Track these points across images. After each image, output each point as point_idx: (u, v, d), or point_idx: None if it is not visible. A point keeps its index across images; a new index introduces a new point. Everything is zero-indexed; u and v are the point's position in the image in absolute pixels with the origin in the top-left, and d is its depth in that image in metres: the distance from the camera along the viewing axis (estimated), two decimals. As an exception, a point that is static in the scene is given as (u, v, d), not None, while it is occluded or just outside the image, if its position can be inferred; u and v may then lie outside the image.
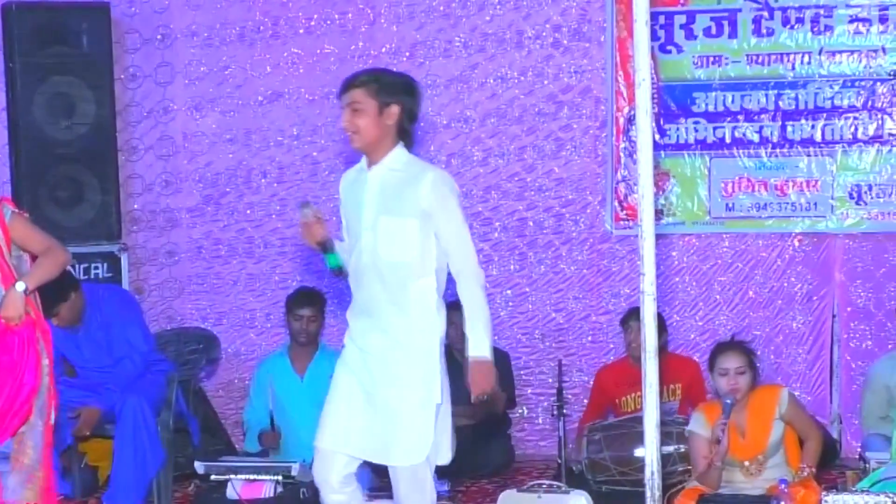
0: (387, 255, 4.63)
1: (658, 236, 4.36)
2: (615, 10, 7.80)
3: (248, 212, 8.34)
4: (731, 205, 7.80)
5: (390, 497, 4.75)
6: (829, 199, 7.66)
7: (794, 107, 7.69)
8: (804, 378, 7.74)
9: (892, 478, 5.30)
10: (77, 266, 7.16)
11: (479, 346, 4.64)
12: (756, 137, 7.75)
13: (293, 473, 6.39)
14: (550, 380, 7.75)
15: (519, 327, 8.07)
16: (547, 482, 6.17)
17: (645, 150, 4.15)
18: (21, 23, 7.31)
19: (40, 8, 7.46)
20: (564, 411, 6.91)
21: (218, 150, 8.34)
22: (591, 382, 7.62)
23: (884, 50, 7.60)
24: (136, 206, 8.23)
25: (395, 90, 4.68)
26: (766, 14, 7.69)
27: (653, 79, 4.79)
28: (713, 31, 7.76)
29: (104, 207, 7.55)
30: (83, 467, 6.95)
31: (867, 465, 5.98)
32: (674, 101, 7.82)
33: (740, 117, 7.76)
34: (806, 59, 7.66)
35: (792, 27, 7.67)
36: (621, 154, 7.86)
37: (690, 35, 7.78)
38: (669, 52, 7.80)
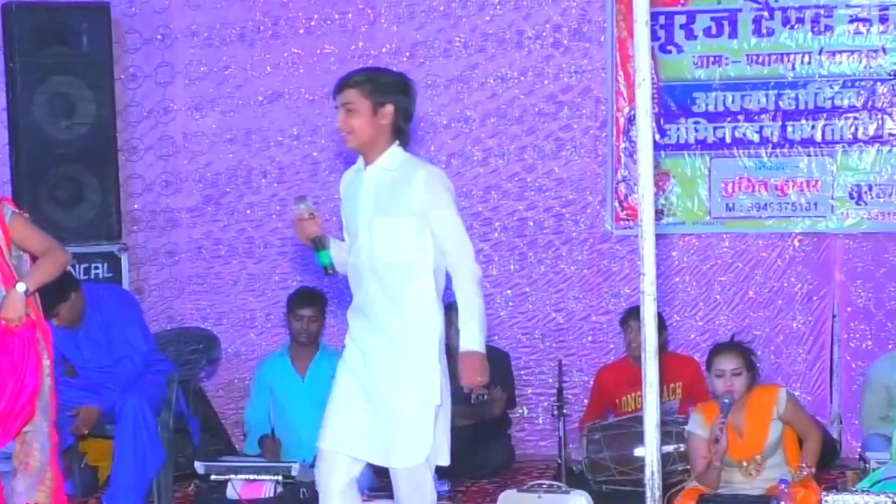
0: (383, 255, 4.62)
1: (658, 236, 4.36)
2: (615, 10, 7.80)
3: (249, 212, 8.34)
4: (731, 205, 7.80)
5: (390, 497, 4.75)
6: (830, 199, 7.66)
7: (794, 107, 7.69)
8: (804, 378, 7.74)
9: (892, 478, 5.30)
10: (77, 266, 7.16)
11: (471, 340, 4.60)
12: (756, 137, 7.75)
13: (293, 473, 6.40)
14: (550, 380, 7.76)
15: (519, 327, 8.07)
16: (547, 482, 6.17)
17: (645, 150, 4.14)
18: (21, 23, 7.31)
19: (40, 8, 7.46)
20: (564, 411, 6.91)
21: (218, 150, 8.34)
22: (592, 382, 7.62)
23: (884, 50, 7.60)
24: (136, 206, 8.23)
25: (390, 90, 4.66)
26: (766, 14, 7.69)
27: (653, 79, 4.79)
28: (713, 31, 7.76)
29: (104, 207, 7.55)
30: (83, 467, 6.95)
31: (867, 466, 5.98)
32: (674, 101, 7.82)
33: (740, 117, 7.76)
34: (806, 59, 7.66)
35: (792, 27, 7.67)
36: (621, 154, 7.86)
37: (690, 35, 7.78)
38: (670, 52, 7.80)
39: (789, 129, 7.71)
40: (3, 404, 4.98)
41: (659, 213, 7.63)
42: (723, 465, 5.71)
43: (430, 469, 4.63)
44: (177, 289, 8.37)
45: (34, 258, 5.15)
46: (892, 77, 7.60)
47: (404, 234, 4.60)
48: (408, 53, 8.09)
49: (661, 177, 7.72)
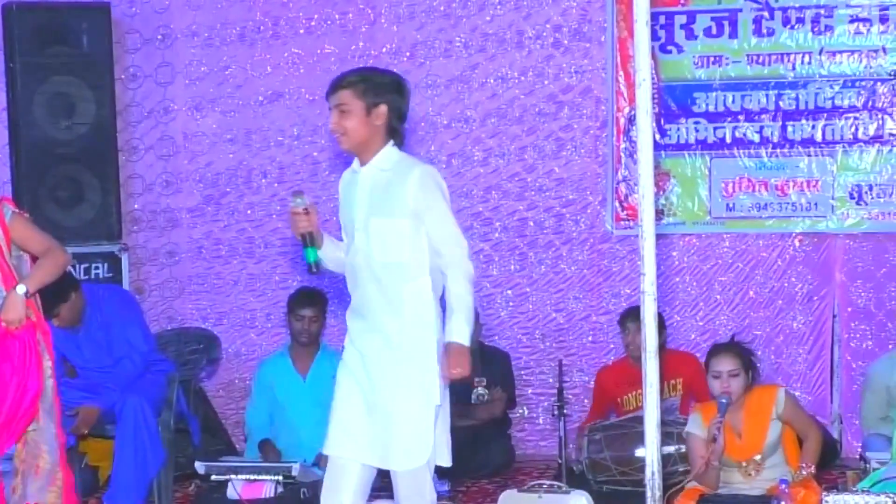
0: (380, 256, 4.60)
1: (658, 236, 4.35)
2: (615, 11, 7.80)
3: (249, 212, 8.34)
4: (731, 205, 7.80)
5: (390, 497, 4.74)
6: (830, 200, 7.66)
7: (794, 107, 7.69)
8: (805, 378, 7.74)
9: (892, 478, 5.30)
10: (77, 266, 7.16)
11: (457, 333, 4.54)
12: (756, 137, 7.75)
13: (293, 473, 6.40)
14: (551, 380, 7.75)
15: (519, 327, 8.07)
16: (547, 482, 6.17)
17: (645, 150, 4.14)
18: (21, 23, 7.30)
19: (41, 8, 7.46)
20: (565, 411, 6.91)
21: (218, 150, 8.35)
22: (592, 382, 7.62)
23: (884, 50, 7.60)
24: (136, 207, 8.23)
25: (383, 90, 4.64)
26: (766, 14, 7.69)
27: (653, 79, 4.78)
28: (713, 31, 7.76)
29: (104, 207, 7.54)
30: (83, 467, 6.94)
31: (868, 466, 5.97)
32: (674, 102, 7.82)
33: (741, 117, 7.76)
34: (806, 59, 7.66)
35: (792, 27, 7.67)
36: (622, 154, 7.86)
37: (691, 35, 7.78)
38: (670, 52, 7.80)
39: (790, 129, 7.71)
40: (6, 409, 4.98)
41: (659, 213, 7.63)
42: (721, 465, 5.71)
43: (430, 470, 4.62)
44: (177, 289, 8.37)
45: (34, 258, 5.14)
46: (892, 77, 7.59)
47: (400, 234, 4.58)
48: (408, 53, 8.09)
49: (661, 177, 7.72)
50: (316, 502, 4.76)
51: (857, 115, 7.62)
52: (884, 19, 7.59)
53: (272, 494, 6.39)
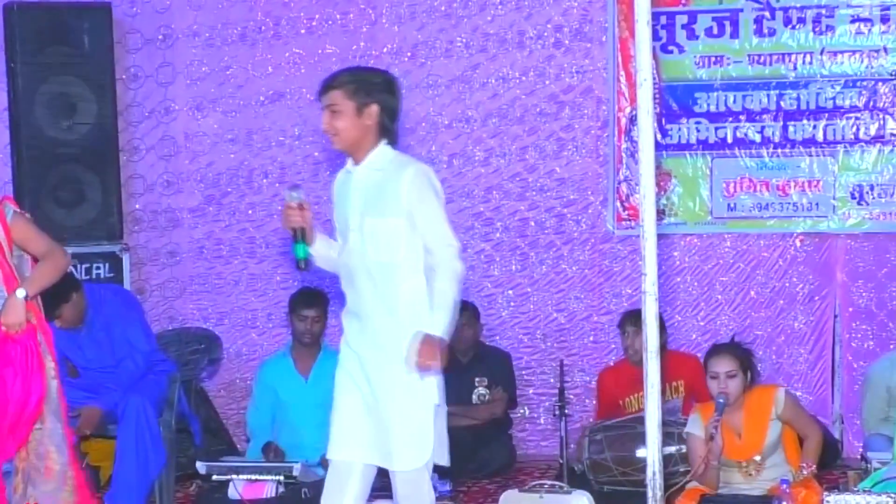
0: (374, 256, 4.58)
1: (660, 236, 4.35)
2: (617, 11, 7.80)
3: (250, 212, 8.34)
4: (732, 205, 7.80)
5: (390, 497, 4.74)
6: (831, 200, 7.66)
7: (795, 107, 7.69)
8: (806, 378, 7.74)
9: (893, 478, 5.30)
10: (78, 266, 7.16)
11: (433, 325, 4.49)
12: (758, 137, 7.75)
13: (295, 473, 6.39)
14: (552, 380, 7.75)
15: (520, 327, 8.07)
16: (549, 482, 6.17)
17: (647, 151, 4.14)
18: (22, 23, 7.30)
19: (42, 8, 7.46)
20: (566, 411, 6.90)
21: (219, 150, 8.35)
22: (593, 383, 7.62)
23: (885, 50, 7.60)
24: (137, 207, 8.23)
25: (373, 89, 4.62)
26: (767, 14, 7.69)
27: (654, 79, 4.79)
28: (715, 31, 7.76)
29: (105, 207, 7.54)
30: (84, 467, 6.94)
31: (869, 466, 5.97)
32: (675, 102, 7.82)
33: (742, 117, 7.76)
34: (807, 59, 7.66)
35: (793, 27, 7.67)
36: (623, 154, 7.86)
37: (692, 35, 7.78)
38: (671, 52, 7.80)
39: (791, 129, 7.70)
40: (11, 414, 4.98)
41: (660, 213, 7.63)
42: (721, 465, 5.70)
43: (429, 470, 4.62)
44: (178, 289, 8.37)
45: (35, 259, 5.14)
46: (893, 77, 7.59)
47: (394, 234, 4.57)
48: (409, 54, 8.09)
49: (662, 177, 7.72)
50: (317, 503, 4.75)
51: (859, 115, 7.62)
52: (885, 19, 7.59)
53: (273, 494, 6.39)
